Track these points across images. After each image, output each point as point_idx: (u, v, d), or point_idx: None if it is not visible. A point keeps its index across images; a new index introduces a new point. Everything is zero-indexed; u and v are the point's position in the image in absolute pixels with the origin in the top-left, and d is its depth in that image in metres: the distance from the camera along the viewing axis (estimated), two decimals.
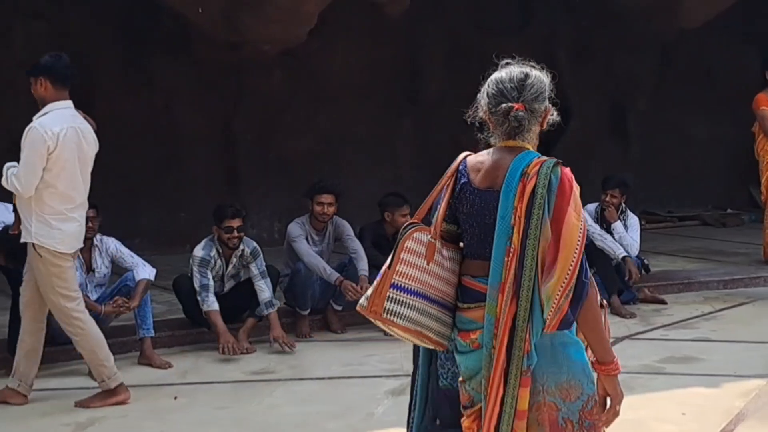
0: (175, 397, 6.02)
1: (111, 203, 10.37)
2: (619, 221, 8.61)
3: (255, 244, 7.38)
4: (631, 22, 11.84)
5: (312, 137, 11.51)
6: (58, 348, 6.55)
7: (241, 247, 7.25)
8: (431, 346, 3.24)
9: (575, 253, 3.02)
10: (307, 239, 7.63)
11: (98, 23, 10.50)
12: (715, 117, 13.73)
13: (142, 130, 10.84)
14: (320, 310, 7.74)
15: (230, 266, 7.29)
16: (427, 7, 11.47)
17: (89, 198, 5.81)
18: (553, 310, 3.01)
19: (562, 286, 3.00)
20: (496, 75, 3.26)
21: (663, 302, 8.54)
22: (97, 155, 5.75)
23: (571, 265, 3.01)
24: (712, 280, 9.24)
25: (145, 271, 6.71)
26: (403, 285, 3.12)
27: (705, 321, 8.03)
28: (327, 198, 7.63)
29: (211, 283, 7.07)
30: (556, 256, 3.02)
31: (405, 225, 3.25)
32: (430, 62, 12.23)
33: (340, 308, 7.71)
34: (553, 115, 3.26)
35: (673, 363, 6.70)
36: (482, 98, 3.26)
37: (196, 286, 7.03)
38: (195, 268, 7.09)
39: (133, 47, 10.69)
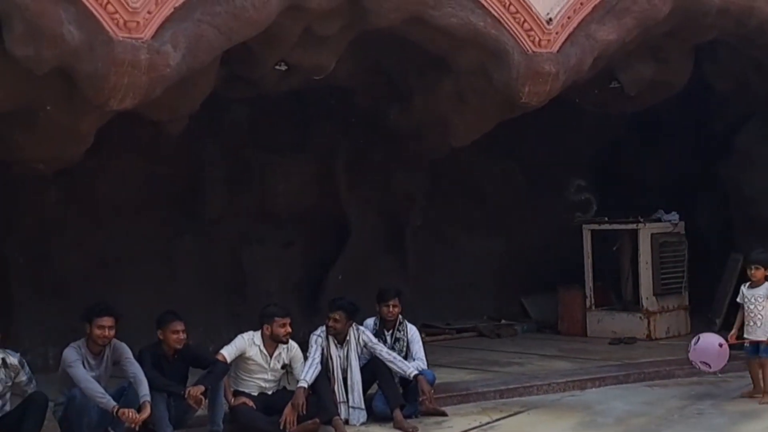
0: None
1: None
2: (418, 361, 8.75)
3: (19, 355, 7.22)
4: (403, 140, 12.29)
5: (88, 257, 11.18)
6: None
7: (1, 355, 7.07)
8: None
9: None
10: (83, 364, 7.39)
11: None
12: (485, 231, 14.34)
13: None
14: None
15: None
16: (206, 125, 11.51)
17: None
18: None
19: None
20: None
21: (443, 414, 8.72)
22: None
23: None
24: (488, 390, 9.53)
25: None
26: None
27: None
28: (107, 321, 7.49)
29: None
30: None
31: None
32: (210, 179, 12.23)
33: None
34: None
35: None
36: None
37: None
38: None
39: None
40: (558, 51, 10.05)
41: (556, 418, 8.70)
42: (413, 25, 9.72)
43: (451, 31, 9.72)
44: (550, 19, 9.94)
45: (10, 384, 7.22)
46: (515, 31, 9.85)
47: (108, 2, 7.88)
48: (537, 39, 9.93)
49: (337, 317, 8.51)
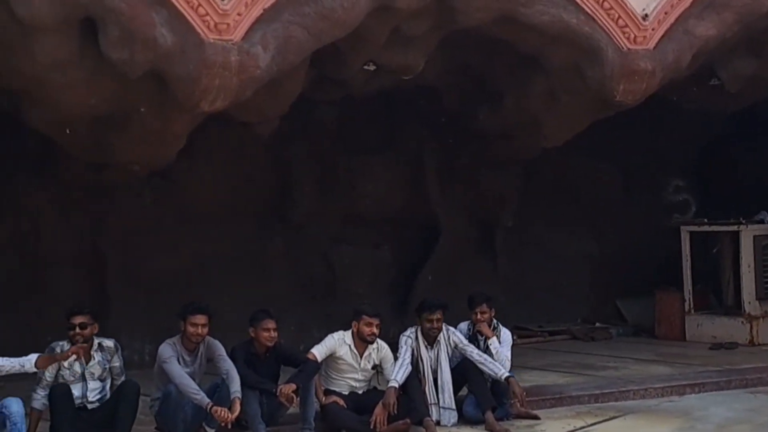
0: None
1: None
2: (495, 337, 8.68)
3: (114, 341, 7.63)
4: (493, 140, 12.16)
5: (182, 257, 11.34)
6: None
7: (97, 340, 7.42)
8: None
9: None
10: (178, 360, 7.50)
11: None
12: (579, 232, 14.13)
13: (6, 253, 10.54)
14: None
15: (91, 361, 7.35)
16: (296, 127, 11.58)
17: None
18: None
19: None
20: None
21: (536, 417, 8.57)
22: None
23: None
24: (583, 394, 9.33)
25: None
26: None
27: None
28: (200, 319, 7.59)
29: (47, 379, 7.16)
30: None
31: None
32: (300, 181, 12.28)
33: (212, 431, 7.52)
34: None
35: None
36: None
37: None
38: None
39: None
40: (654, 48, 9.84)
41: (653, 424, 8.48)
42: (503, 23, 9.60)
43: (542, 28, 9.59)
44: (646, 15, 9.74)
45: (107, 367, 7.45)
46: (609, 27, 9.68)
47: (199, 5, 7.97)
48: (632, 36, 9.74)
49: (439, 316, 8.48)
